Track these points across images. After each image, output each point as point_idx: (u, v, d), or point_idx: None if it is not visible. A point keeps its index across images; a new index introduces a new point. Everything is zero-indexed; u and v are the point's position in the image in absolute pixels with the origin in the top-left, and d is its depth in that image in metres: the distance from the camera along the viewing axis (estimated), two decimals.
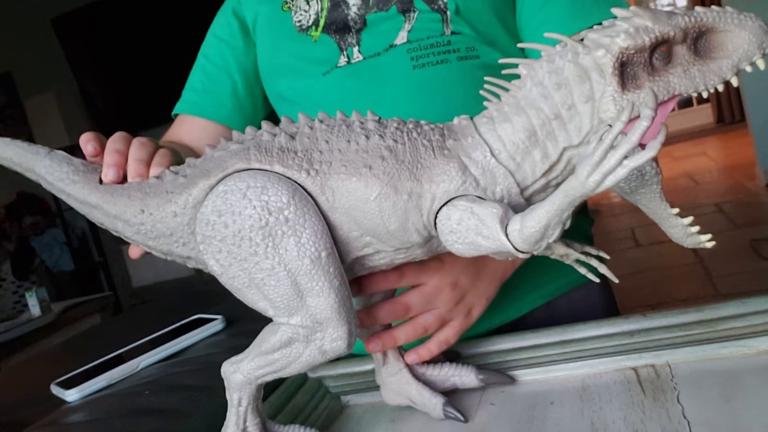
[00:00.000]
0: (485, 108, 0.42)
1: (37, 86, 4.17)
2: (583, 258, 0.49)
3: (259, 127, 0.44)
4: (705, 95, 0.37)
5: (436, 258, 0.51)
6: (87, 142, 0.48)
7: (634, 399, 0.46)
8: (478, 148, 0.40)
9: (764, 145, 3.70)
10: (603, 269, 0.49)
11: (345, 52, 0.68)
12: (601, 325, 0.52)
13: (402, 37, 0.66)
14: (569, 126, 0.38)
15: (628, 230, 3.65)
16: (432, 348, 0.52)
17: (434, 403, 0.50)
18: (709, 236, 0.41)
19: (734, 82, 0.37)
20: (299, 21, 0.71)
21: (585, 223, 0.77)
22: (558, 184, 0.41)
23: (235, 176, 0.41)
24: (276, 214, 0.39)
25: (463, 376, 0.53)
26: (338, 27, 0.69)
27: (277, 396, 0.55)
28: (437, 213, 0.40)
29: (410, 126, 0.42)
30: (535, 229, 0.37)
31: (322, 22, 0.69)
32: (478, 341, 0.56)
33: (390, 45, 0.66)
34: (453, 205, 0.39)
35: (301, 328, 0.41)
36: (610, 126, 0.36)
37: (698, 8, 0.36)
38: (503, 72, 0.41)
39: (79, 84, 4.22)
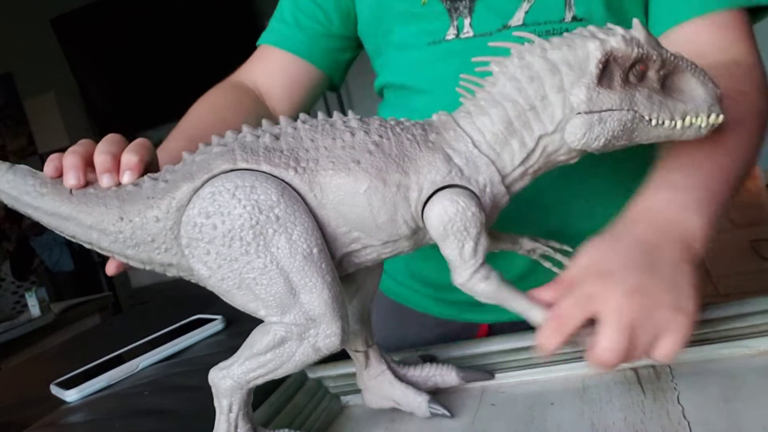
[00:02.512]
0: (461, 82, 0.45)
1: (37, 86, 4.17)
2: (550, 252, 0.52)
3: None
4: (653, 123, 0.41)
5: (596, 275, 0.43)
6: (48, 162, 0.45)
7: (635, 399, 0.46)
8: (461, 140, 0.43)
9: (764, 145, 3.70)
10: (567, 262, 0.49)
11: (455, 23, 0.64)
12: None
13: (518, 18, 0.62)
14: (543, 115, 0.42)
15: None
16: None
17: (419, 402, 0.50)
18: (717, 115, 0.43)
19: (678, 124, 0.42)
20: None
21: None
22: (535, 172, 0.44)
23: (222, 177, 0.41)
24: (266, 212, 0.40)
25: (444, 375, 0.53)
26: None
27: (277, 396, 0.55)
28: (425, 203, 0.42)
29: (392, 123, 0.44)
30: (489, 296, 0.43)
31: None
32: (478, 342, 0.56)
33: (504, 25, 0.62)
34: (446, 197, 0.41)
35: (294, 326, 0.41)
36: (580, 113, 0.40)
37: (681, 53, 0.43)
38: (475, 69, 0.44)
39: (79, 84, 4.22)
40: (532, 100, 0.41)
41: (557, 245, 0.51)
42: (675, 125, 0.42)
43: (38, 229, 4.15)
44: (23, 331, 2.53)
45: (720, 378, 0.46)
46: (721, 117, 0.43)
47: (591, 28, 0.41)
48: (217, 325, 0.85)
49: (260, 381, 0.43)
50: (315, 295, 0.40)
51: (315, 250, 0.40)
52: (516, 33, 0.44)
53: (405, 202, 0.42)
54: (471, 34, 0.63)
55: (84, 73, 4.20)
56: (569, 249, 0.50)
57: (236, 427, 0.44)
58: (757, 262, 2.63)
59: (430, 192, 0.42)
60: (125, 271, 0.48)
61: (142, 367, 0.76)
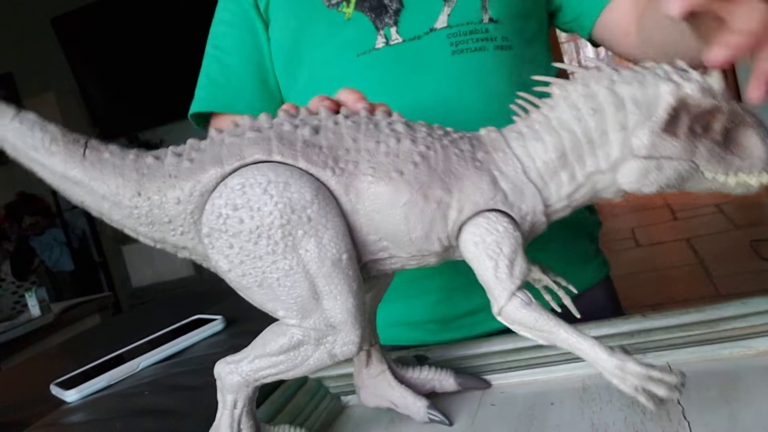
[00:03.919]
0: (517, 99, 0.42)
1: (37, 86, 4.17)
2: (553, 287, 0.50)
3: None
4: (708, 176, 0.39)
5: None
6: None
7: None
8: (510, 163, 0.40)
9: None
10: (567, 301, 0.48)
11: (382, 32, 0.65)
12: (601, 325, 0.52)
13: (442, 21, 0.65)
14: (599, 152, 0.39)
15: (628, 230, 3.65)
16: None
17: (418, 407, 0.49)
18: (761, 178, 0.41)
19: (731, 181, 0.39)
20: None
21: (595, 225, 0.77)
22: (578, 205, 0.42)
23: (253, 168, 0.38)
24: (299, 212, 0.38)
25: (442, 380, 0.52)
26: (373, 5, 0.66)
27: (277, 396, 0.55)
28: (462, 225, 0.40)
29: (440, 132, 0.42)
30: (532, 326, 0.39)
31: None
32: (478, 342, 0.56)
33: (430, 29, 0.65)
34: (482, 226, 0.40)
35: (314, 331, 0.39)
36: (637, 156, 0.38)
37: (749, 106, 0.40)
38: (534, 89, 0.41)
39: (79, 84, 4.22)
40: (592, 133, 0.39)
41: (563, 282, 0.50)
42: (728, 181, 0.39)
43: (38, 229, 4.15)
44: (23, 331, 2.53)
45: (720, 378, 0.46)
46: None
47: (666, 67, 0.38)
48: (217, 325, 0.85)
49: (269, 380, 0.42)
50: (339, 302, 0.39)
51: (344, 257, 0.39)
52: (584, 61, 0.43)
53: (442, 220, 0.40)
54: (400, 40, 0.65)
55: (84, 73, 4.20)
56: (574, 290, 0.49)
57: (239, 423, 0.43)
58: (757, 262, 2.63)
59: (471, 214, 0.40)
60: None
61: (142, 367, 0.76)
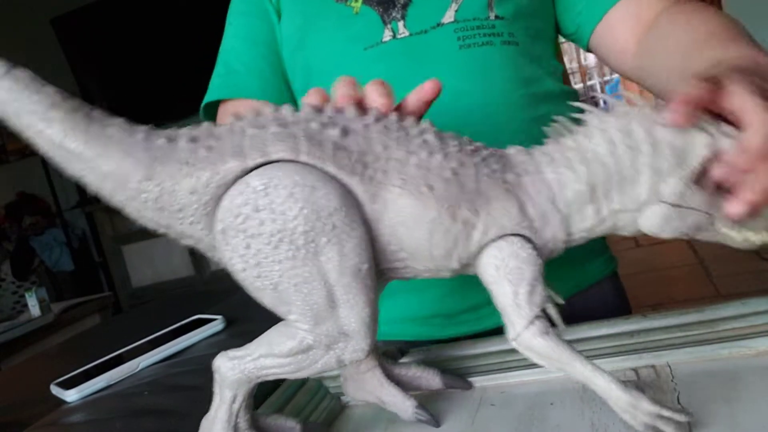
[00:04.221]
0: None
1: None
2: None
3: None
4: (720, 230, 0.39)
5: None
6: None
7: None
8: (542, 191, 0.40)
9: None
10: (551, 311, 0.48)
11: (389, 26, 0.66)
12: (600, 325, 0.52)
13: (449, 16, 0.66)
14: (628, 191, 0.39)
15: None
16: None
17: (407, 406, 0.49)
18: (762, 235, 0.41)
19: (738, 237, 0.39)
20: None
21: None
22: (595, 236, 0.42)
23: (278, 168, 0.37)
24: (324, 219, 0.36)
25: (429, 379, 0.52)
26: None
27: (277, 396, 0.55)
28: (484, 246, 0.40)
29: (470, 148, 0.41)
30: (548, 355, 0.39)
31: None
32: (478, 341, 0.56)
33: (437, 23, 0.66)
34: (505, 250, 0.39)
35: (325, 337, 0.39)
36: (664, 203, 0.38)
37: None
38: (571, 114, 0.41)
39: (79, 84, 4.22)
40: (624, 171, 0.38)
41: (551, 293, 0.50)
42: (735, 236, 0.40)
43: (38, 229, 4.15)
44: (23, 331, 2.53)
45: (720, 378, 0.46)
46: None
47: (709, 122, 0.37)
48: (217, 325, 0.85)
49: (271, 378, 0.41)
50: (355, 311, 0.38)
51: (365, 267, 0.38)
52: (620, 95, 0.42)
53: (466, 241, 0.39)
54: (407, 33, 0.66)
55: (84, 73, 4.20)
56: (561, 301, 0.49)
57: (237, 417, 0.42)
58: (757, 262, 2.63)
59: (496, 237, 0.39)
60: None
61: (142, 367, 0.76)
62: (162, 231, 0.40)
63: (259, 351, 0.41)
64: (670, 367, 0.49)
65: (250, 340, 0.43)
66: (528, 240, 0.40)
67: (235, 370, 0.41)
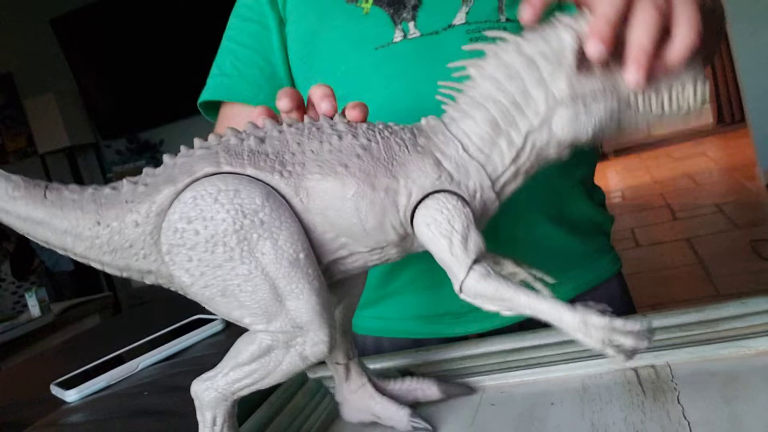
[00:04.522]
0: (440, 89, 0.44)
1: (37, 86, 4.18)
2: (530, 279, 0.50)
3: None
4: (640, 107, 0.40)
5: None
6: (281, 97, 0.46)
7: (635, 400, 0.46)
8: (450, 144, 0.42)
9: (764, 145, 3.70)
10: (545, 293, 0.48)
11: (399, 27, 0.67)
12: None
13: (460, 18, 0.66)
14: (527, 111, 0.41)
15: (628, 230, 3.65)
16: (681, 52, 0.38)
17: (401, 415, 0.49)
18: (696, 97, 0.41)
19: (665, 102, 0.40)
20: None
21: (607, 220, 0.78)
22: (527, 171, 0.43)
23: (204, 181, 0.40)
24: (251, 216, 0.38)
25: (425, 389, 0.52)
26: (391, 0, 0.67)
27: (276, 396, 0.55)
28: (414, 209, 0.41)
29: (380, 126, 0.43)
30: (494, 296, 0.39)
31: None
32: (478, 342, 0.56)
33: (449, 24, 0.66)
34: (432, 207, 0.40)
35: (281, 334, 0.39)
36: (564, 105, 0.40)
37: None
38: (453, 75, 0.43)
39: (79, 84, 4.22)
40: (514, 96, 0.41)
41: (538, 274, 0.50)
42: (664, 107, 0.40)
43: None
44: (23, 331, 2.54)
45: (720, 378, 0.46)
46: (706, 83, 0.41)
47: (563, 18, 0.40)
48: (216, 325, 0.85)
49: (246, 392, 0.42)
50: (302, 301, 0.39)
51: (301, 255, 0.39)
52: (487, 32, 0.43)
53: (393, 208, 0.41)
54: (418, 34, 0.66)
55: (84, 73, 4.20)
56: (550, 280, 0.49)
57: None
58: (757, 262, 2.63)
59: (420, 197, 0.41)
60: None
61: (142, 367, 0.76)
62: (126, 275, 0.43)
63: (228, 365, 0.41)
64: (670, 367, 0.49)
65: None
66: (452, 193, 0.41)
67: (209, 390, 0.42)
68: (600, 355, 0.51)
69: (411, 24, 0.66)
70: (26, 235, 0.43)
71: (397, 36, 0.66)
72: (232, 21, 0.78)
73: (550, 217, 0.69)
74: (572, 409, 0.47)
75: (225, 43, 0.77)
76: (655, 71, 0.39)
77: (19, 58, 4.27)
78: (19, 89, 4.38)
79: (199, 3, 3.54)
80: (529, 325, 0.48)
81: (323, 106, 0.45)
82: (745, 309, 0.48)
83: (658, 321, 0.50)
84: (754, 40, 3.60)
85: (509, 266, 0.50)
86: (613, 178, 5.50)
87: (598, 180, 0.80)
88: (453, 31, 0.66)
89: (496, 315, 0.67)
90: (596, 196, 0.78)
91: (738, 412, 0.41)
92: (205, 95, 0.77)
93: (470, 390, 0.53)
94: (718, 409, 0.42)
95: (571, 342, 0.52)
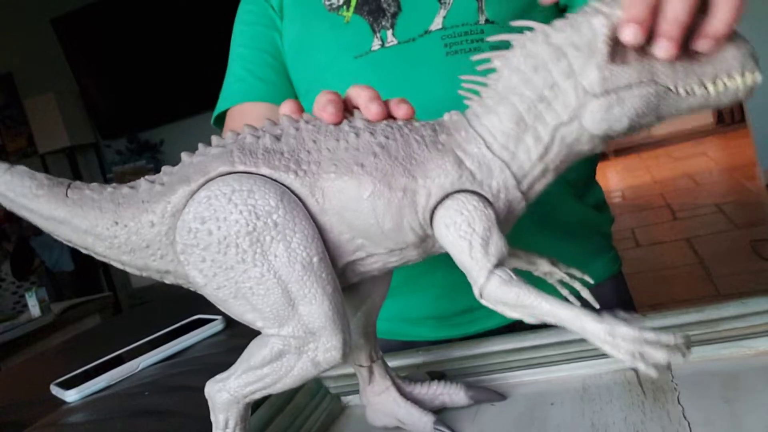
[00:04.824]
0: (463, 84, 0.42)
1: (37, 86, 4.17)
2: (567, 279, 0.48)
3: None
4: (681, 93, 0.37)
5: None
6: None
7: (635, 400, 0.46)
8: (472, 142, 0.40)
9: (764, 145, 3.70)
10: (585, 294, 0.47)
11: (378, 35, 0.67)
12: None
13: (437, 23, 0.66)
14: (555, 104, 0.38)
15: (628, 230, 3.65)
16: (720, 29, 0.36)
17: (424, 422, 0.48)
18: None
19: (711, 90, 0.37)
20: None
21: (605, 220, 0.78)
22: (557, 168, 0.41)
23: (219, 180, 0.39)
24: (264, 218, 0.38)
25: (452, 394, 0.51)
26: (371, 8, 0.68)
27: (277, 396, 0.55)
28: (433, 210, 0.39)
29: (400, 123, 0.41)
30: (516, 303, 0.37)
31: (353, 2, 0.68)
32: (478, 342, 0.56)
33: (425, 31, 0.66)
34: (452, 208, 0.39)
35: (293, 339, 0.39)
36: (596, 96, 0.37)
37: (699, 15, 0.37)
38: (478, 68, 0.41)
39: (79, 84, 4.22)
40: (541, 89, 0.38)
41: (578, 273, 0.48)
42: (708, 92, 0.37)
43: (38, 229, 4.15)
44: (23, 331, 2.54)
45: (720, 378, 0.46)
46: (758, 74, 0.37)
47: (594, 3, 0.37)
48: (217, 325, 0.85)
49: (258, 395, 0.41)
50: (315, 306, 0.38)
51: (315, 259, 0.38)
52: (514, 23, 0.41)
53: (412, 208, 0.39)
54: (395, 42, 0.67)
55: (84, 73, 4.20)
56: (590, 280, 0.48)
57: None
58: (757, 262, 2.63)
59: (439, 197, 0.39)
60: (125, 272, 0.48)
61: (142, 367, 0.76)
62: (146, 274, 0.43)
63: (240, 368, 0.41)
64: (670, 366, 0.49)
65: (250, 340, 0.43)
66: (474, 194, 0.39)
67: (222, 392, 0.41)
68: (600, 356, 0.51)
69: (389, 32, 0.67)
70: (51, 234, 0.43)
71: (375, 44, 0.67)
72: (237, 28, 0.78)
73: (535, 221, 0.68)
74: (572, 409, 0.47)
75: (234, 51, 0.77)
76: (691, 47, 0.36)
77: (20, 57, 4.27)
78: (19, 89, 4.38)
79: (199, 3, 3.54)
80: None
81: (372, 108, 0.42)
82: (746, 309, 0.48)
83: (658, 321, 0.50)
84: (754, 40, 3.59)
85: (545, 266, 0.49)
86: (613, 178, 5.50)
87: (598, 180, 0.79)
88: (429, 37, 0.66)
89: (480, 320, 0.67)
90: (590, 196, 0.77)
91: (738, 412, 0.41)
92: (221, 105, 0.76)
93: (500, 396, 0.51)
94: (718, 409, 0.42)
95: (571, 342, 0.52)
